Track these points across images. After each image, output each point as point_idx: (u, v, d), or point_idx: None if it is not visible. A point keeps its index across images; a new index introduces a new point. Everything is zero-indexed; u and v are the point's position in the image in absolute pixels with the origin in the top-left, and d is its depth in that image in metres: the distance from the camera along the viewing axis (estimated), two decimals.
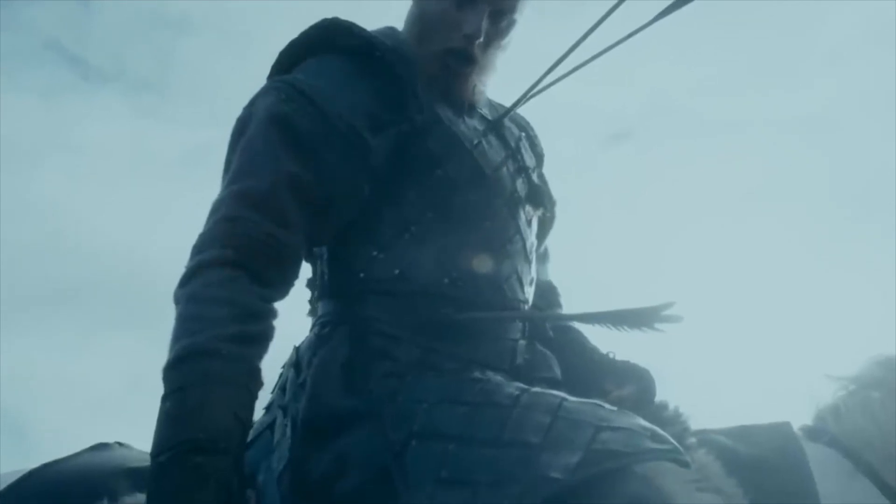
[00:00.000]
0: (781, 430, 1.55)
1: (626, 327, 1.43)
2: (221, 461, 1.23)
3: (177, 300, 1.35)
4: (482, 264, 1.49)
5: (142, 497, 1.29)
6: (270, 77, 1.55)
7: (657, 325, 1.41)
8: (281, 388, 1.48)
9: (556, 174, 1.75)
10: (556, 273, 1.83)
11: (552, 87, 1.57)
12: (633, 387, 1.52)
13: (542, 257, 1.75)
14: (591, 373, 1.56)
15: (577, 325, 1.65)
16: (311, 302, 1.54)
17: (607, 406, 1.33)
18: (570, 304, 1.79)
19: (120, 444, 1.71)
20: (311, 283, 1.55)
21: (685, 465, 1.28)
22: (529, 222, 1.60)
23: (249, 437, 1.40)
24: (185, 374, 1.27)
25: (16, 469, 1.65)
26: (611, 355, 1.61)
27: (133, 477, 1.54)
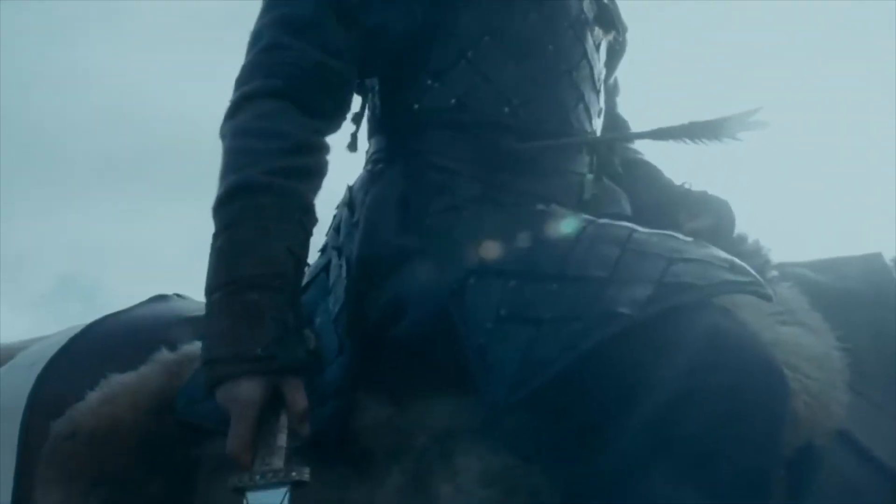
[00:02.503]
0: (872, 261, 1.43)
1: (704, 140, 1.31)
2: (277, 298, 1.19)
3: (223, 135, 1.29)
4: (546, 91, 1.38)
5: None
6: None
7: (740, 135, 1.29)
8: (335, 228, 1.42)
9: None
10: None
11: None
12: (710, 218, 1.42)
13: (612, 89, 1.62)
14: (663, 205, 1.46)
15: (646, 156, 1.55)
16: (353, 135, 1.45)
17: (681, 237, 1.23)
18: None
19: (178, 295, 1.69)
20: (356, 118, 1.46)
21: (767, 298, 1.19)
22: (598, 47, 1.47)
23: (304, 280, 1.35)
24: (236, 209, 1.22)
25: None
26: (686, 186, 1.50)
27: (192, 325, 1.51)
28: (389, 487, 1.22)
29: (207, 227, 1.27)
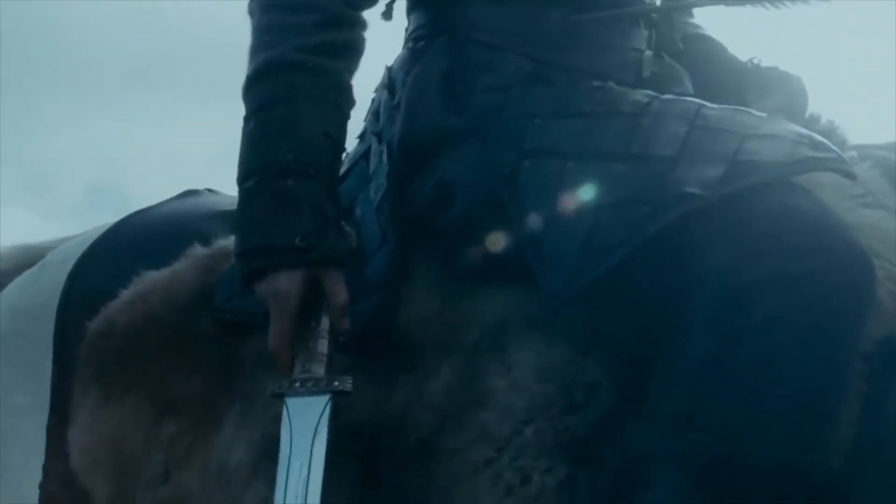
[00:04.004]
0: None
1: (787, 3, 1.21)
2: (313, 185, 1.14)
3: (251, 11, 1.22)
4: None
5: None
6: None
7: None
8: (374, 113, 1.34)
9: None
10: None
11: None
12: (780, 96, 1.32)
13: None
14: (729, 83, 1.36)
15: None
16: (388, 5, 1.36)
17: (754, 112, 1.14)
18: None
19: (210, 190, 1.62)
20: None
21: (850, 176, 1.10)
22: None
23: (343, 169, 1.28)
24: (267, 90, 1.16)
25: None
26: (754, 62, 1.39)
27: (225, 220, 1.45)
28: (439, 383, 1.16)
29: (236, 131, 1.21)
